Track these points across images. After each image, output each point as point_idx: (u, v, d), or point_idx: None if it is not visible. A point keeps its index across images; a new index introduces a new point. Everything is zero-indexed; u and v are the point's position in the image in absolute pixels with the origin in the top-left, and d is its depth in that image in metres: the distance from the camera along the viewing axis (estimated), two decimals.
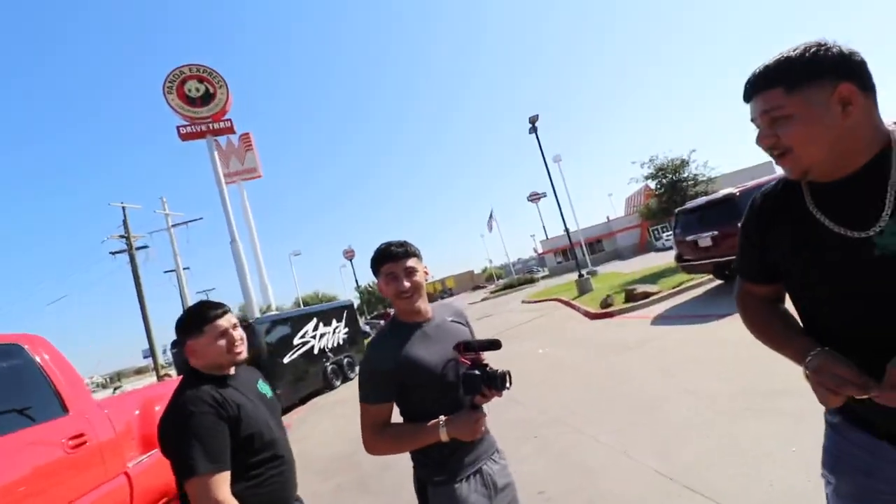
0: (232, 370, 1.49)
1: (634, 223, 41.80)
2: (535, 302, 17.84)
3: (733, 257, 6.48)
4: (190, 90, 20.89)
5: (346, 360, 12.16)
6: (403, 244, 1.43)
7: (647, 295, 9.29)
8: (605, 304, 9.82)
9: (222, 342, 1.42)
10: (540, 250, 48.92)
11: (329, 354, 11.70)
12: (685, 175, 14.67)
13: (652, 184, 15.78)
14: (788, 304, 1.07)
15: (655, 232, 39.56)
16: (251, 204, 26.59)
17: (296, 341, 10.50)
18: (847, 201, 0.86)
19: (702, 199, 8.34)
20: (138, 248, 22.92)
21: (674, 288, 9.40)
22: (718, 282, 8.92)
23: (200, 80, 21.31)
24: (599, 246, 42.94)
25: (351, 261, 41.27)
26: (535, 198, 48.40)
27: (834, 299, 0.87)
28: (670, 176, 14.74)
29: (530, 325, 11.53)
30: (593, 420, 3.87)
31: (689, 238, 8.15)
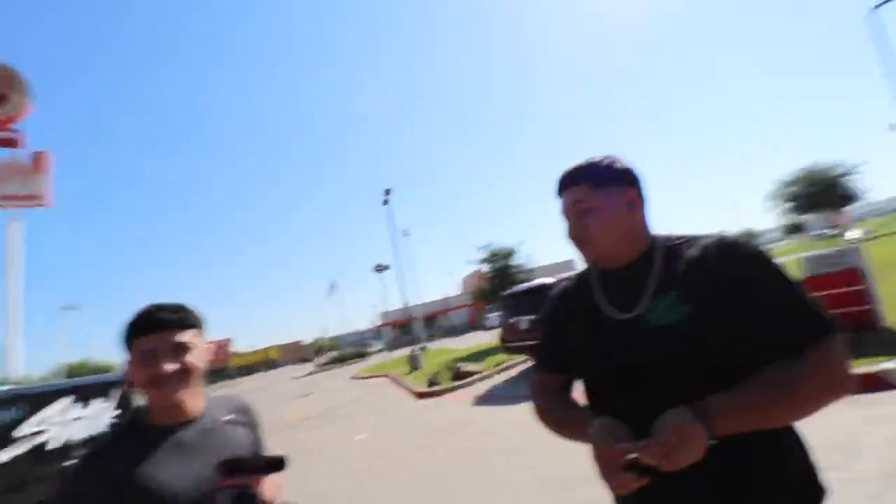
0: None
1: (468, 302, 44.85)
2: (365, 378, 16.94)
3: None
4: None
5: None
6: (179, 309, 1.05)
7: (471, 374, 9.44)
8: (432, 382, 9.65)
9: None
10: (378, 323, 48.33)
11: (79, 450, 8.72)
12: (512, 263, 16.37)
13: (485, 267, 17.13)
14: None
15: (485, 311, 42.96)
16: (26, 237, 20.46)
17: (21, 431, 7.55)
18: (624, 287, 0.99)
19: (523, 286, 9.10)
20: None
21: (496, 367, 9.78)
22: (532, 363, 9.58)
23: None
24: (436, 321, 44.49)
25: None
26: (379, 269, 48.80)
27: (618, 375, 0.94)
28: (501, 262, 16.28)
29: (355, 404, 10.62)
30: None
31: (512, 321, 8.69)
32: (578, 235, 1.01)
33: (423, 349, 15.45)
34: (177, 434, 1.01)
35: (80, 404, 8.98)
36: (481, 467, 4.24)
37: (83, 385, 9.66)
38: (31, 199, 21.28)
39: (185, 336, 1.02)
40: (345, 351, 35.16)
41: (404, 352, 27.13)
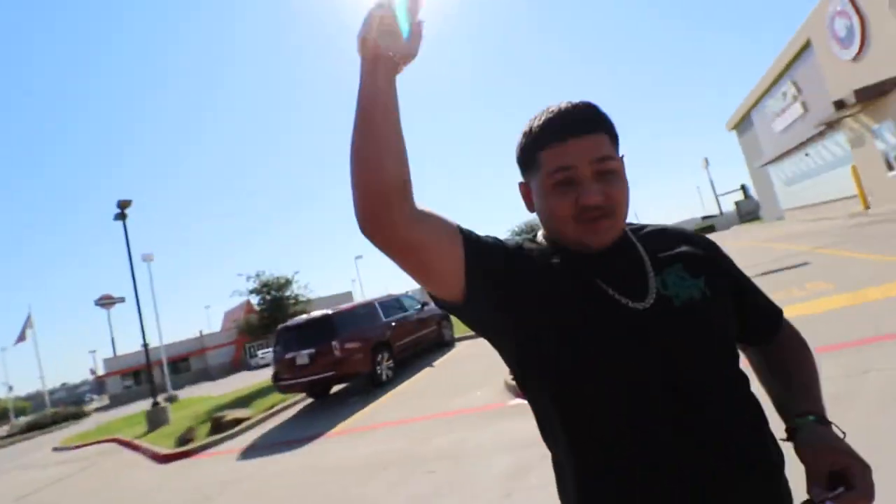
0: None
1: (231, 339, 39.55)
2: (78, 447, 12.68)
3: (327, 374, 6.68)
4: None
5: None
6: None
7: (238, 422, 8.15)
8: (184, 439, 7.91)
9: None
10: (101, 372, 37.69)
11: None
12: (288, 294, 15.21)
13: (255, 299, 15.43)
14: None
15: (251, 349, 38.66)
16: None
17: None
18: (618, 270, 0.76)
19: (302, 318, 8.54)
20: None
21: (267, 410, 8.73)
22: (311, 400, 8.99)
23: None
24: (186, 365, 37.61)
25: None
26: (107, 302, 38.25)
27: (664, 369, 0.70)
28: (274, 293, 14.90)
29: (60, 487, 7.74)
30: None
31: (288, 356, 7.99)
32: (602, 204, 0.71)
33: (169, 400, 12.59)
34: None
35: None
36: None
37: None
38: None
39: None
40: (46, 412, 25.89)
41: (142, 406, 21.70)
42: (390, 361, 8.44)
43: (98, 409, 29.07)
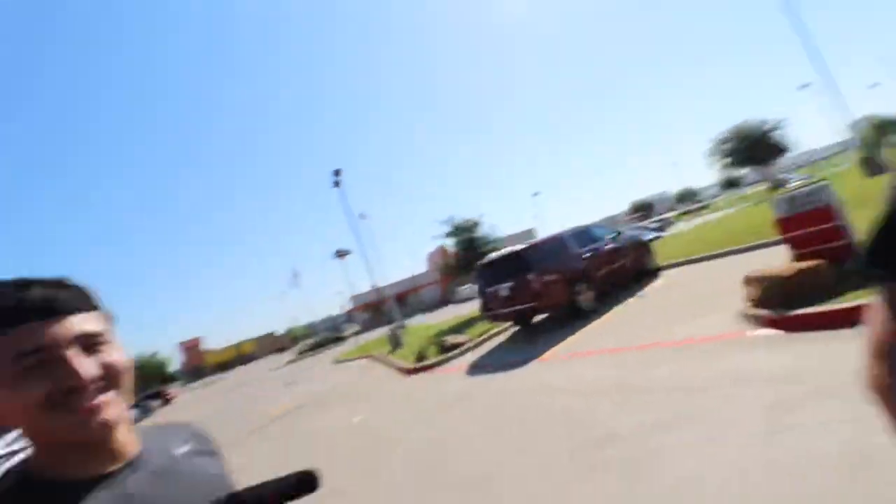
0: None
1: (435, 278, 45.03)
2: (348, 361, 16.89)
3: (528, 305, 6.96)
4: None
5: None
6: (63, 285, 0.63)
7: (457, 345, 9.56)
8: (420, 357, 9.71)
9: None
10: (349, 307, 47.91)
11: None
12: (477, 235, 16.47)
13: (450, 242, 17.16)
14: None
15: (454, 286, 43.33)
16: None
17: None
18: None
19: (497, 254, 9.19)
20: None
21: (480, 336, 9.93)
22: (516, 328, 9.80)
23: None
24: (407, 300, 44.56)
25: None
26: (341, 254, 47.98)
27: None
28: (466, 235, 16.34)
29: (345, 387, 10.58)
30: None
31: (490, 290, 8.80)
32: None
33: (400, 327, 15.47)
34: (110, 489, 0.60)
35: None
36: (494, 436, 4.33)
37: None
38: None
39: (89, 321, 0.62)
40: (321, 337, 34.79)
41: (381, 332, 27.17)
42: (590, 292, 8.48)
43: (353, 334, 37.45)
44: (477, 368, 7.52)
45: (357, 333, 39.29)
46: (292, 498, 0.68)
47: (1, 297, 0.58)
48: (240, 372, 41.43)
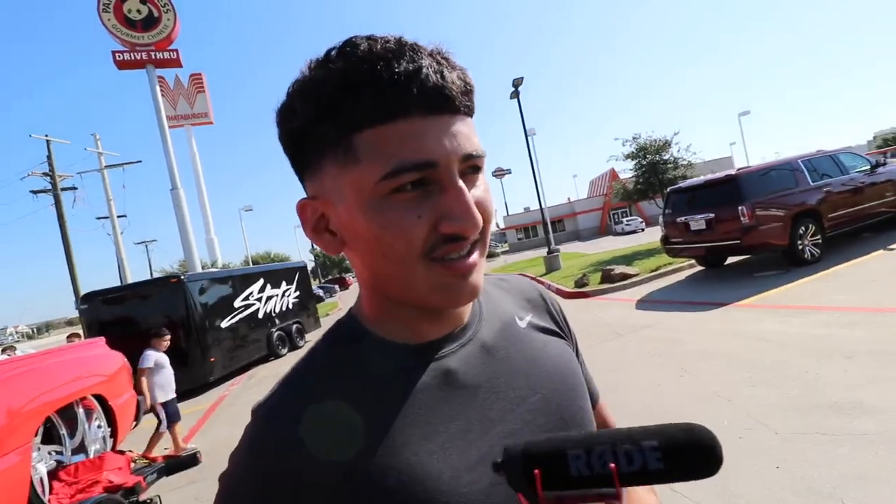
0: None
1: (596, 206, 42.13)
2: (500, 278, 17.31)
3: (728, 242, 5.86)
4: (130, 11, 18.15)
5: (294, 326, 11.14)
6: (450, 67, 0.40)
7: (625, 276, 8.76)
8: (581, 283, 9.24)
9: None
10: (502, 226, 48.62)
11: (276, 320, 10.58)
12: (667, 157, 14.23)
13: (629, 164, 15.28)
14: None
15: (615, 216, 40.06)
16: (200, 151, 24.20)
17: (237, 303, 9.27)
18: None
19: (700, 179, 7.76)
20: (64, 189, 20.16)
21: (653, 271, 8.90)
22: (699, 268, 8.50)
23: (143, 1, 18.55)
24: (561, 226, 43.11)
25: None
26: (500, 174, 47.88)
27: None
28: (651, 157, 14.24)
29: None
30: None
31: (681, 220, 7.58)
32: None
33: (557, 251, 14.91)
34: (443, 360, 0.46)
35: (269, 285, 10.77)
36: (682, 376, 3.82)
37: (272, 271, 11.47)
38: (198, 117, 24.56)
39: (476, 137, 0.43)
40: None
41: (531, 254, 27.07)
42: (818, 236, 6.70)
43: (504, 253, 38.38)
44: (649, 303, 6.77)
45: (507, 252, 40.09)
46: (668, 478, 0.31)
47: (383, 62, 0.37)
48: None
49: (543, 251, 16.53)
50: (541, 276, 12.98)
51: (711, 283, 7.07)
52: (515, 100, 16.44)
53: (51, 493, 2.27)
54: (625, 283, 8.54)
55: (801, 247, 6.59)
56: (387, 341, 0.45)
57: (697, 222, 7.21)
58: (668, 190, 8.31)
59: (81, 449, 2.68)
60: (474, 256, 0.42)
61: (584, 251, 19.93)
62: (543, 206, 16.89)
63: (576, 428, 0.48)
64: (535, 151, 17.19)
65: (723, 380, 3.46)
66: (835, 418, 2.58)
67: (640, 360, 4.38)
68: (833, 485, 2.06)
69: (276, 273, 11.18)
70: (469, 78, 0.42)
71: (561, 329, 0.59)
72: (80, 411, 2.66)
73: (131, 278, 19.70)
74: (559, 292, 9.57)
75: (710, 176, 7.57)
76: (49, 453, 2.47)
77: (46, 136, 20.09)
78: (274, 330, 10.36)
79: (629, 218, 33.85)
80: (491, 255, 33.64)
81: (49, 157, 20.10)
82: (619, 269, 9.05)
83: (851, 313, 4.24)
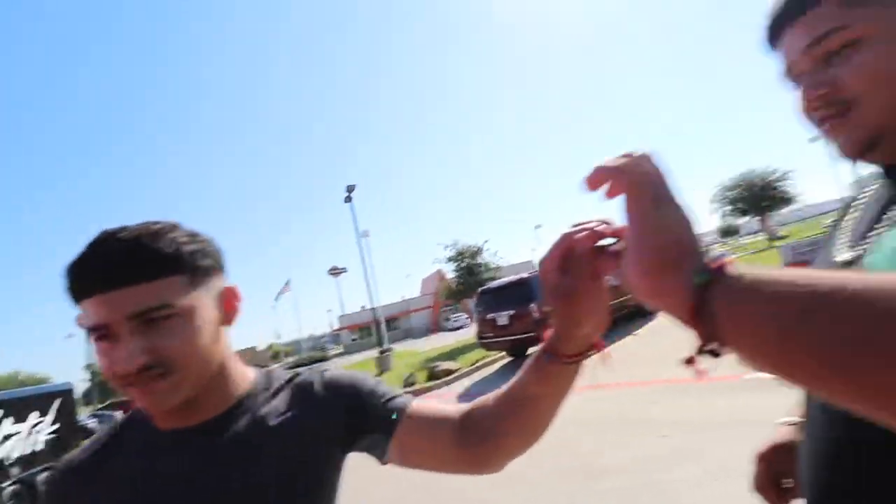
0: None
1: (428, 304, 44.57)
2: None
3: (526, 335, 6.86)
4: None
5: (44, 475, 8.29)
6: (137, 245, 0.54)
7: (449, 372, 9.23)
8: (408, 382, 9.35)
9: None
10: (336, 326, 47.10)
11: (11, 469, 7.76)
12: (479, 261, 16.38)
13: (451, 266, 17.04)
14: None
15: (445, 313, 42.87)
16: None
17: None
18: (872, 203, 0.55)
19: (502, 281, 9.01)
20: None
21: (472, 365, 9.61)
22: (510, 359, 9.51)
23: None
24: (395, 324, 43.91)
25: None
26: (335, 272, 47.52)
27: None
28: (468, 260, 16.23)
29: None
30: None
31: (489, 316, 8.57)
32: (825, 99, 0.51)
33: (386, 351, 15.04)
34: (179, 444, 0.61)
35: (8, 419, 8.04)
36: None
37: (15, 399, 8.65)
38: None
39: (160, 293, 0.54)
40: (303, 355, 33.92)
41: (366, 355, 26.51)
42: None
43: (336, 355, 36.64)
44: (469, 396, 7.18)
45: (341, 354, 38.45)
46: None
47: (75, 264, 0.55)
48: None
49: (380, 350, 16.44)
50: (374, 377, 12.70)
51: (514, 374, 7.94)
52: (349, 204, 17.13)
53: None
54: (448, 378, 8.97)
55: None
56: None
57: (502, 318, 8.25)
58: (479, 290, 9.42)
59: None
60: (151, 386, 0.56)
61: (417, 348, 20.48)
62: (375, 306, 17.15)
63: None
64: (368, 253, 17.82)
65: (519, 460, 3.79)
66: (585, 479, 3.07)
67: None
68: None
69: (21, 402, 8.47)
70: (177, 247, 0.56)
71: (331, 415, 0.69)
72: None
73: None
74: None
75: (508, 278, 8.89)
76: None
77: None
78: (6, 486, 7.54)
79: (456, 315, 36.53)
80: (322, 359, 31.75)
81: None
82: (443, 365, 9.53)
83: (615, 389, 5.25)
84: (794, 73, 0.55)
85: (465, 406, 0.73)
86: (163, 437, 0.61)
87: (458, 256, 16.53)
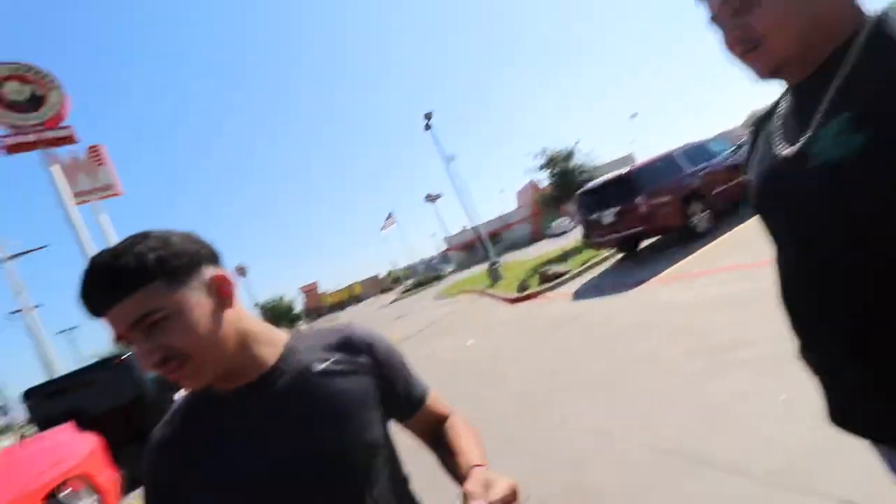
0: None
1: (526, 216, 44.34)
2: (449, 297, 17.81)
3: (634, 231, 6.72)
4: (10, 93, 17.03)
5: None
6: (109, 268, 0.63)
7: (559, 274, 9.58)
8: (523, 287, 9.94)
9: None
10: (443, 248, 49.60)
11: None
12: (572, 165, 15.76)
13: (543, 174, 16.67)
14: None
15: (545, 221, 42.41)
16: (116, 223, 22.71)
17: None
18: (798, 105, 0.72)
19: (601, 179, 8.77)
20: None
21: (582, 265, 9.82)
22: (621, 255, 9.51)
23: (24, 81, 17.49)
24: (498, 238, 44.80)
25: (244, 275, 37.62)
26: (432, 198, 49.10)
27: (783, 233, 0.76)
28: (560, 165, 15.73)
29: (451, 318, 11.31)
30: (557, 406, 3.62)
31: (593, 217, 8.53)
32: (740, 38, 0.69)
33: (497, 262, 15.78)
34: (241, 401, 0.73)
35: None
36: (610, 346, 4.44)
37: None
38: (103, 190, 23.22)
39: (143, 301, 0.63)
40: (421, 276, 36.89)
41: (478, 269, 27.96)
42: (706, 212, 7.85)
43: (451, 273, 39.11)
44: (584, 293, 7.54)
45: (453, 272, 40.94)
46: None
47: (79, 295, 0.64)
48: (352, 310, 45.89)
49: (486, 265, 17.34)
50: (487, 287, 13.64)
51: (631, 267, 7.99)
52: (429, 132, 17.33)
53: None
54: (560, 280, 9.34)
55: (694, 223, 7.70)
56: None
57: (607, 217, 8.17)
58: (578, 192, 9.30)
59: None
60: (179, 372, 0.65)
61: (524, 258, 21.04)
62: (476, 224, 17.78)
63: (329, 453, 0.71)
64: (457, 176, 18.18)
65: (648, 342, 4.12)
66: (722, 354, 3.25)
67: (580, 341, 5.00)
68: (724, 400, 2.68)
69: None
70: (141, 259, 0.63)
71: (364, 366, 0.80)
72: (65, 494, 2.71)
73: (61, 369, 17.97)
74: (505, 300, 10.22)
75: (607, 176, 8.61)
76: None
77: None
78: None
79: (558, 221, 35.98)
80: (438, 278, 34.19)
81: None
82: (553, 268, 9.88)
83: (738, 270, 5.14)
84: (717, 21, 0.72)
85: (446, 417, 0.91)
86: (223, 398, 0.73)
87: (550, 163, 16.05)
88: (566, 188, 16.05)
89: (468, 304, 12.73)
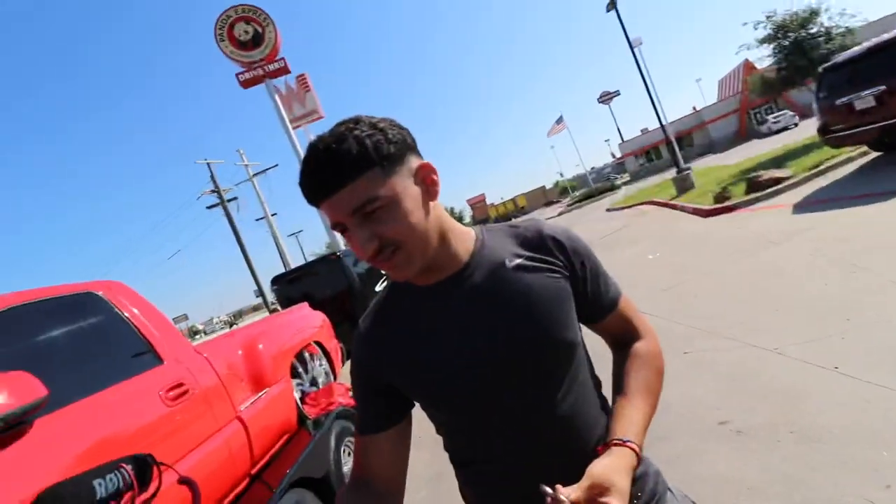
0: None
1: (731, 108, 36.50)
2: (623, 208, 16.38)
3: None
4: (239, 34, 20.44)
5: None
6: (331, 154, 0.61)
7: (777, 181, 7.77)
8: (721, 197, 8.44)
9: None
10: (618, 154, 45.03)
11: None
12: (814, 30, 11.72)
13: (766, 50, 12.94)
14: None
15: (758, 114, 34.28)
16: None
17: None
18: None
19: (861, 47, 6.44)
20: (229, 201, 24.40)
21: (811, 170, 7.74)
22: (873, 155, 7.16)
23: (247, 21, 20.69)
24: (688, 140, 38.40)
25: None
26: (606, 98, 43.64)
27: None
28: (795, 34, 11.85)
29: (626, 231, 10.46)
30: (763, 330, 3.08)
31: (842, 101, 6.43)
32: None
33: (688, 169, 13.49)
34: (439, 293, 0.74)
35: None
36: (850, 271, 3.52)
37: None
38: (310, 115, 26.95)
39: (364, 189, 0.62)
40: (593, 187, 34.61)
41: (657, 179, 24.80)
42: None
43: (624, 184, 35.76)
44: (813, 204, 6.01)
45: (628, 182, 37.21)
46: None
47: (300, 182, 0.64)
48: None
49: (670, 173, 15.14)
50: (673, 199, 12.04)
51: (882, 172, 5.99)
52: (613, 11, 14.97)
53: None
54: (777, 188, 7.60)
55: None
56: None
57: (865, 100, 6.06)
58: (822, 69, 7.04)
59: (314, 383, 3.59)
60: (391, 261, 0.66)
61: (722, 163, 17.70)
62: (664, 123, 15.30)
63: (524, 345, 0.70)
64: (644, 63, 15.54)
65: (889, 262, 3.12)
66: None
67: (800, 263, 4.07)
68: None
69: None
70: (337, 159, 0.60)
71: (555, 263, 0.76)
72: (308, 355, 3.56)
73: (292, 263, 23.20)
74: (696, 212, 8.89)
75: (874, 40, 6.22)
76: (296, 385, 3.37)
77: (206, 160, 24.22)
78: None
79: (776, 114, 28.82)
80: (611, 189, 31.62)
81: (212, 177, 24.29)
82: (768, 174, 8.04)
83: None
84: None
85: (636, 329, 0.84)
86: (423, 291, 0.74)
87: (779, 32, 12.20)
88: (799, 67, 12.32)
89: (647, 217, 11.53)
